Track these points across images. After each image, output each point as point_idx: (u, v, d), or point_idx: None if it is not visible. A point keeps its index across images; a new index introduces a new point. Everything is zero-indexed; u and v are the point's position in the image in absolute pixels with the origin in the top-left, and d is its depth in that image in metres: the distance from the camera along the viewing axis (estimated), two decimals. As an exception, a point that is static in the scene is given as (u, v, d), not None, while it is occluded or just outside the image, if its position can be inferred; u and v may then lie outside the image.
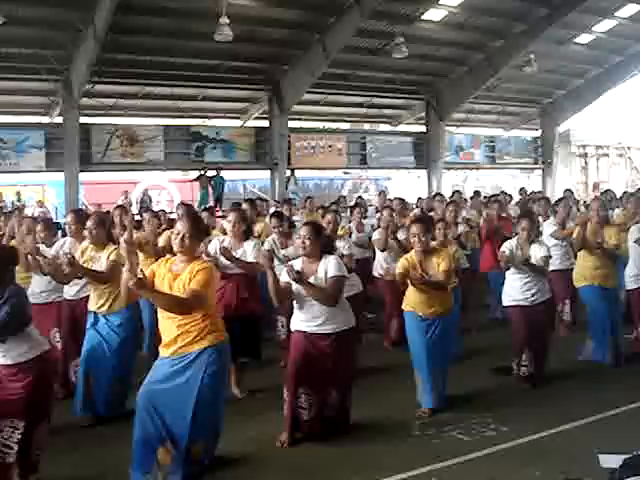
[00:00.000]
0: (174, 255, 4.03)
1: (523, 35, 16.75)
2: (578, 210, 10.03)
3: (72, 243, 5.55)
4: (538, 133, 24.19)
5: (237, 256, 5.44)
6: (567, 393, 5.46)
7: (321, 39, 15.51)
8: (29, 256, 5.21)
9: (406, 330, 5.28)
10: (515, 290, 5.71)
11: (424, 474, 4.02)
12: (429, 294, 5.06)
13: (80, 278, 5.15)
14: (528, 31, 16.55)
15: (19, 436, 3.69)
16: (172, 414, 3.83)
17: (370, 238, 7.85)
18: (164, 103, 18.25)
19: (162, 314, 3.87)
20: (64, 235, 6.52)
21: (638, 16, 16.72)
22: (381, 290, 7.29)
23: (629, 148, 27.15)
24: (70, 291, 5.41)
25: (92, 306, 5.00)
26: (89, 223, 5.07)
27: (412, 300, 5.15)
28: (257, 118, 19.56)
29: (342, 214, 9.57)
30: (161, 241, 6.60)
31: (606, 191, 13.09)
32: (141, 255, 6.28)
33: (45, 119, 17.71)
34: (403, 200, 9.66)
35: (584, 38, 18.22)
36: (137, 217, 9.17)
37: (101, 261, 5.02)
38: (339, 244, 5.69)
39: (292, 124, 18.86)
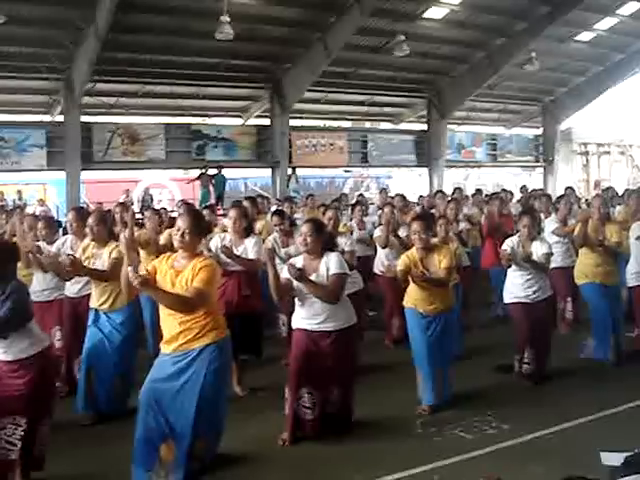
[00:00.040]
0: (175, 253, 4.03)
1: (524, 33, 16.72)
2: (579, 208, 10.01)
3: (73, 241, 5.56)
4: (539, 131, 24.16)
5: (238, 253, 5.45)
6: (568, 391, 5.45)
7: (322, 37, 15.50)
8: (29, 254, 5.22)
9: (407, 327, 5.28)
10: (516, 287, 5.70)
11: (426, 472, 4.02)
12: (430, 291, 5.06)
13: (82, 276, 5.16)
14: (529, 29, 16.53)
15: (22, 433, 3.70)
16: (175, 411, 3.83)
17: (371, 236, 7.84)
18: (165, 102, 18.24)
19: (164, 311, 3.87)
20: (65, 233, 6.52)
21: (639, 13, 16.69)
22: (382, 287, 7.29)
23: (630, 146, 27.10)
24: (72, 289, 5.42)
25: (94, 303, 5.01)
26: (90, 220, 5.07)
27: (413, 297, 5.15)
28: (258, 116, 19.54)
29: (343, 212, 9.57)
30: (162, 239, 6.60)
31: (607, 188, 13.09)
32: (143, 253, 6.29)
33: (46, 118, 17.71)
34: (404, 197, 9.65)
35: (585, 36, 18.19)
36: (138, 215, 9.16)
37: (103, 258, 5.02)
38: (341, 240, 5.68)
39: (293, 122, 18.84)
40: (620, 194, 11.02)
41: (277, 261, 5.41)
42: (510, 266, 5.66)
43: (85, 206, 14.56)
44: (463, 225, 7.66)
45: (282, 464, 4.22)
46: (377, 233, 7.18)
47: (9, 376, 3.71)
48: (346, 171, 24.67)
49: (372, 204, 12.69)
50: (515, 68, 18.37)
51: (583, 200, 12.95)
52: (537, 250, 5.66)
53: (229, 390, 4.64)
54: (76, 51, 14.22)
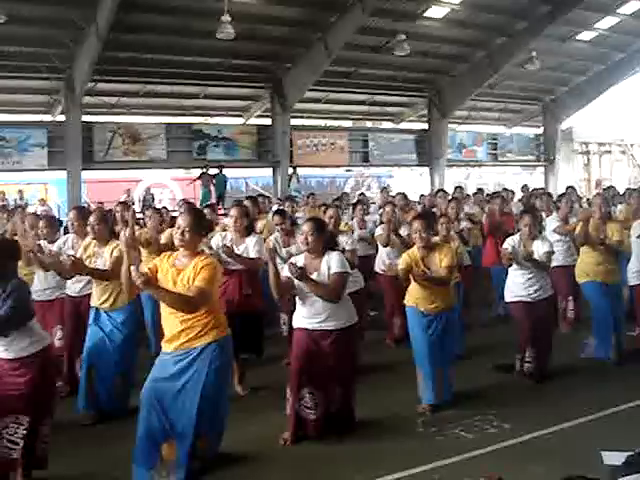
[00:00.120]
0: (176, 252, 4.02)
1: (525, 32, 16.72)
2: (580, 207, 10.00)
3: (74, 240, 5.57)
4: (540, 130, 24.15)
5: (239, 252, 5.44)
6: (570, 390, 5.45)
7: (323, 37, 15.50)
8: (31, 253, 5.22)
9: (408, 326, 5.28)
10: (518, 286, 5.70)
11: (426, 471, 4.02)
12: (431, 290, 5.05)
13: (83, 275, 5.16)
14: (530, 28, 16.52)
15: (24, 432, 3.70)
16: (176, 410, 3.83)
17: (372, 235, 7.84)
18: (166, 101, 18.26)
19: (165, 309, 3.87)
20: (66, 232, 6.52)
21: (640, 12, 16.71)
22: (383, 286, 7.29)
23: (632, 145, 27.06)
24: (73, 288, 5.43)
25: (94, 302, 5.01)
26: (91, 219, 5.08)
27: (414, 295, 5.14)
28: (259, 116, 19.56)
29: (344, 211, 9.56)
30: (163, 238, 6.60)
31: (608, 187, 13.09)
32: (144, 252, 6.29)
33: (47, 117, 17.74)
34: (406, 196, 9.64)
35: (586, 35, 18.18)
36: (139, 215, 9.16)
37: (104, 257, 5.02)
38: (342, 239, 5.67)
39: (294, 122, 18.83)
40: (621, 193, 11.02)
41: (278, 260, 5.39)
42: (511, 265, 5.66)
43: (86, 206, 14.56)
44: (464, 224, 7.66)
45: (283, 464, 4.22)
46: (378, 232, 7.17)
47: (10, 374, 3.71)
48: (347, 170, 24.68)
49: (373, 203, 12.70)
50: (516, 67, 18.37)
51: (584, 199, 12.93)
52: (538, 249, 5.65)
53: (230, 389, 4.64)
54: (77, 50, 14.23)
